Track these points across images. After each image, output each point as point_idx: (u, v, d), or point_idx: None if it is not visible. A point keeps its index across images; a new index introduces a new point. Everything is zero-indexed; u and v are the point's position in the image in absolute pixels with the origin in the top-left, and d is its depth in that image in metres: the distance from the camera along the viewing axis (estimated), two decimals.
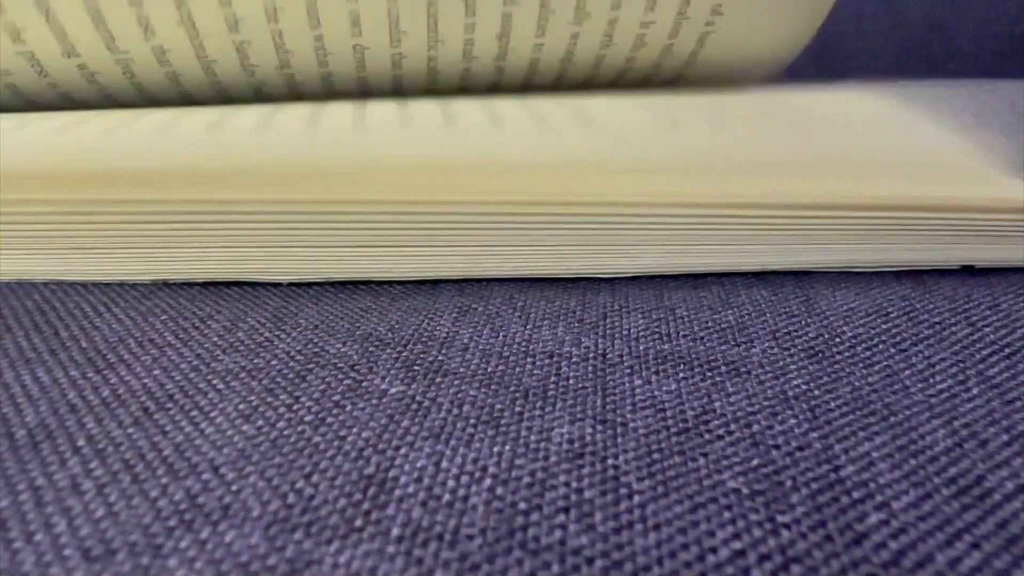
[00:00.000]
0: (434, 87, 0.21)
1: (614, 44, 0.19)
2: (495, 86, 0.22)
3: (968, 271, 0.16)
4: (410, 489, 0.09)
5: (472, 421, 0.11)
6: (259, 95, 0.20)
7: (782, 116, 0.19)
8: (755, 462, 0.10)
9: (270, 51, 0.18)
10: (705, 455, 0.10)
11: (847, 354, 0.13)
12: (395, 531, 0.08)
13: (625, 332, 0.13)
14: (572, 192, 0.14)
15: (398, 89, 0.21)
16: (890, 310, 0.14)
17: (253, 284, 0.15)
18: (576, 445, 0.10)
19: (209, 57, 0.18)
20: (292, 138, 0.15)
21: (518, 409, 0.11)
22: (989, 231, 0.15)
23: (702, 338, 0.13)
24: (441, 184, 0.14)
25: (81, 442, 0.10)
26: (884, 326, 0.14)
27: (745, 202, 0.15)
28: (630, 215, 0.15)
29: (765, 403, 0.11)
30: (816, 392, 0.11)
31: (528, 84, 0.22)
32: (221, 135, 0.15)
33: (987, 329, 0.13)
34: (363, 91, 0.21)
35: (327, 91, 0.21)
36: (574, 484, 0.09)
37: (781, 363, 0.12)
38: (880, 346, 0.13)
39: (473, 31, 0.18)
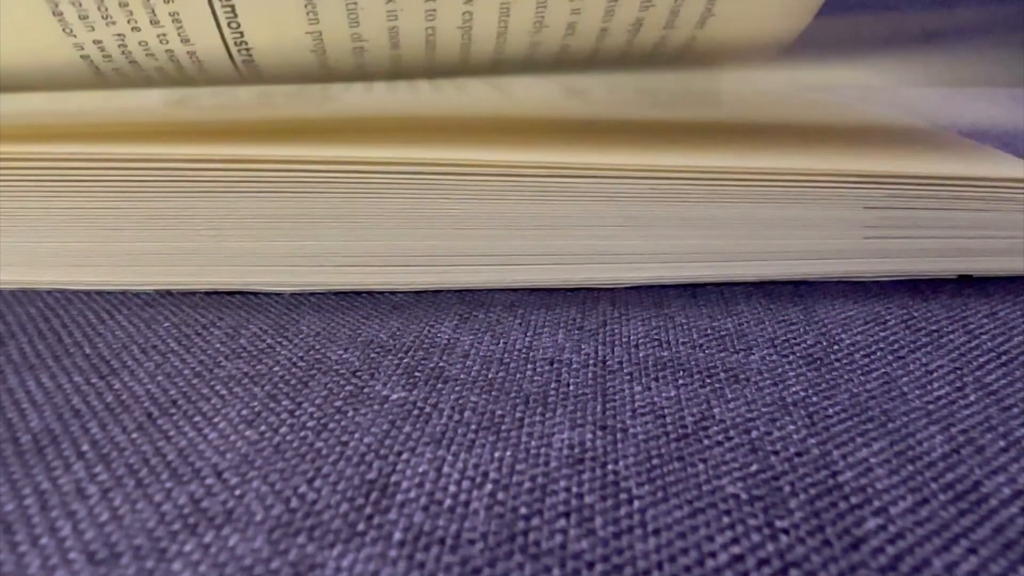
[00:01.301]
0: (433, 69, 0.21)
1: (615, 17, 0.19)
2: (495, 66, 0.22)
3: (966, 281, 0.16)
4: (412, 494, 0.09)
5: (473, 427, 0.11)
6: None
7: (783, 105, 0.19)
8: (754, 468, 0.10)
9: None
10: (704, 461, 0.10)
11: (845, 361, 0.13)
12: (397, 535, 0.08)
13: (625, 339, 0.13)
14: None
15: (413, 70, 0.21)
16: (888, 318, 0.14)
17: (255, 292, 0.15)
18: (576, 451, 0.10)
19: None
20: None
21: (519, 415, 0.11)
22: (988, 201, 0.15)
23: (701, 345, 0.13)
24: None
25: (85, 447, 0.10)
26: (882, 334, 0.14)
27: (745, 168, 0.15)
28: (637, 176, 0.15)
29: (764, 409, 0.11)
30: (814, 398, 0.11)
31: (529, 64, 0.22)
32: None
33: (984, 337, 0.14)
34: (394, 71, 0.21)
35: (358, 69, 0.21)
36: (574, 489, 0.09)
37: (780, 370, 0.12)
38: (878, 353, 0.13)
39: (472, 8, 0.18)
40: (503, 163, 0.15)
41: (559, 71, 0.23)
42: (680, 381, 0.12)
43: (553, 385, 0.12)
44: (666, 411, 0.11)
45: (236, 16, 0.17)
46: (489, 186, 0.15)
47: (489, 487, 0.09)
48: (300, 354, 0.13)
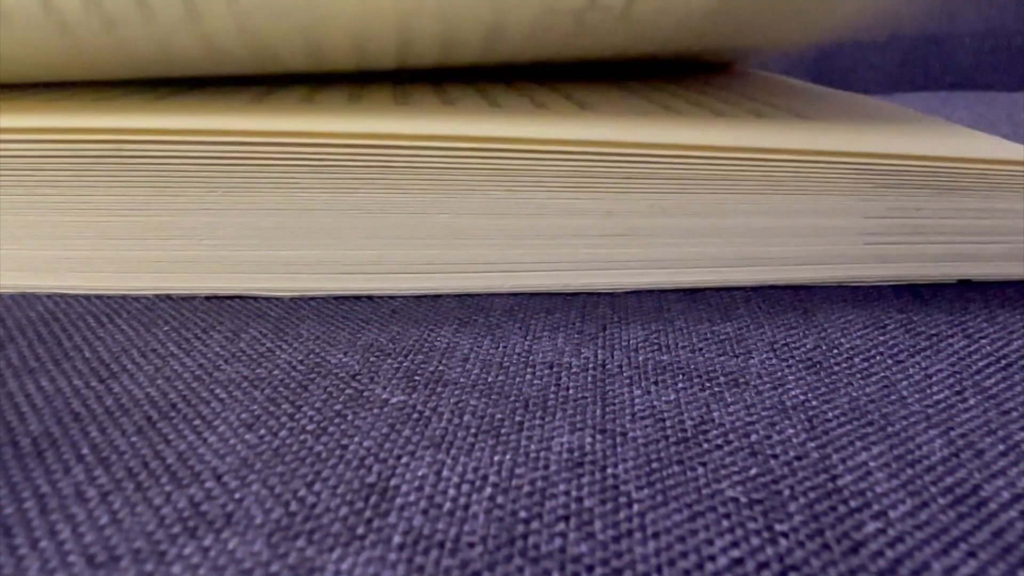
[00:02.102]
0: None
1: None
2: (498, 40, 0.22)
3: (965, 285, 0.16)
4: (411, 497, 0.09)
5: (473, 430, 0.11)
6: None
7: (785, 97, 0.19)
8: (753, 471, 0.10)
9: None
10: (704, 464, 0.10)
11: (845, 365, 0.13)
12: (396, 539, 0.08)
13: (624, 343, 0.13)
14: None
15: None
16: (887, 322, 0.14)
17: (255, 297, 0.15)
18: (576, 454, 0.10)
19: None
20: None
21: (518, 419, 0.11)
22: (988, 186, 0.15)
23: (701, 349, 0.13)
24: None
25: (85, 450, 0.10)
26: (881, 338, 0.14)
27: (745, 146, 0.15)
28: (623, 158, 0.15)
29: (763, 413, 0.11)
30: (814, 402, 0.11)
31: (541, 44, 0.22)
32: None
33: (984, 341, 0.14)
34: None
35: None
36: (574, 493, 0.09)
37: (779, 374, 0.12)
38: (877, 357, 0.13)
39: None
40: (507, 138, 0.14)
41: (570, 53, 0.22)
42: (680, 385, 0.12)
43: (553, 389, 0.12)
44: (665, 415, 0.11)
45: None
46: (489, 181, 0.15)
47: (489, 491, 0.09)
48: (299, 358, 0.13)
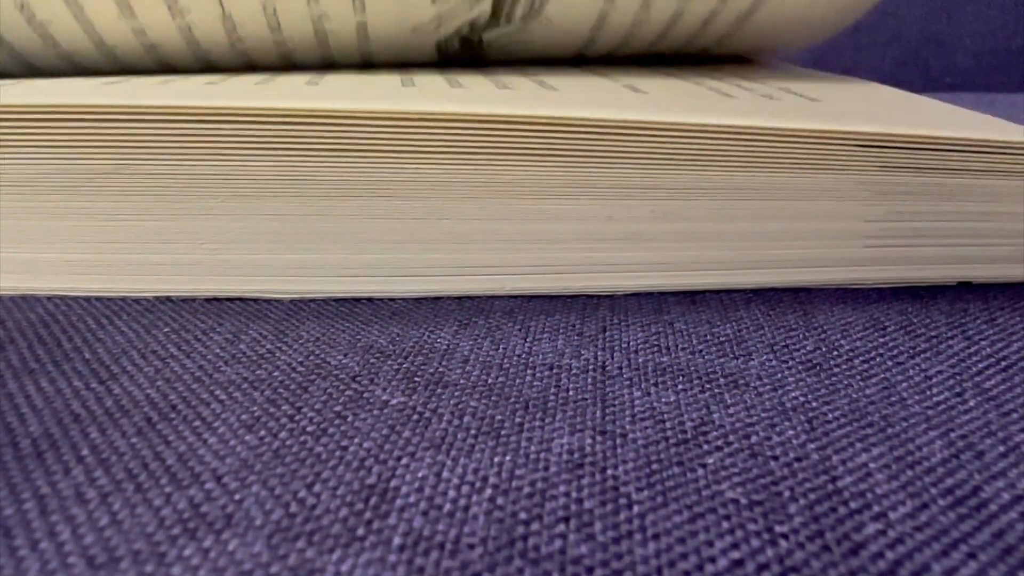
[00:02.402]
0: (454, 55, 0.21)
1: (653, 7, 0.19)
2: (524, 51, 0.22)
3: (965, 287, 0.16)
4: (411, 499, 0.09)
5: (473, 432, 0.11)
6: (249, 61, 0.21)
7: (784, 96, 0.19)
8: (753, 472, 0.10)
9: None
10: (704, 465, 0.10)
11: (845, 367, 0.13)
12: (396, 540, 0.08)
13: (624, 345, 0.13)
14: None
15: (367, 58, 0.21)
16: (887, 324, 0.14)
17: (255, 298, 0.15)
18: (576, 455, 0.10)
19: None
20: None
21: (518, 420, 0.11)
22: (988, 172, 0.15)
23: (700, 351, 0.13)
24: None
25: (85, 451, 0.10)
26: (881, 339, 0.14)
27: (740, 126, 0.14)
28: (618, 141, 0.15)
29: (763, 414, 0.11)
30: (814, 404, 0.11)
31: (558, 52, 0.22)
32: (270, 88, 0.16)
33: (984, 342, 0.14)
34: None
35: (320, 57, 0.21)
36: (574, 494, 0.09)
37: (779, 375, 0.12)
38: (877, 359, 0.13)
39: None
40: (500, 116, 0.14)
41: (587, 56, 0.22)
42: (679, 386, 0.12)
43: (552, 390, 0.12)
44: (665, 416, 0.11)
45: None
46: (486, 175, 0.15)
47: (489, 492, 0.09)
48: (299, 359, 0.13)
